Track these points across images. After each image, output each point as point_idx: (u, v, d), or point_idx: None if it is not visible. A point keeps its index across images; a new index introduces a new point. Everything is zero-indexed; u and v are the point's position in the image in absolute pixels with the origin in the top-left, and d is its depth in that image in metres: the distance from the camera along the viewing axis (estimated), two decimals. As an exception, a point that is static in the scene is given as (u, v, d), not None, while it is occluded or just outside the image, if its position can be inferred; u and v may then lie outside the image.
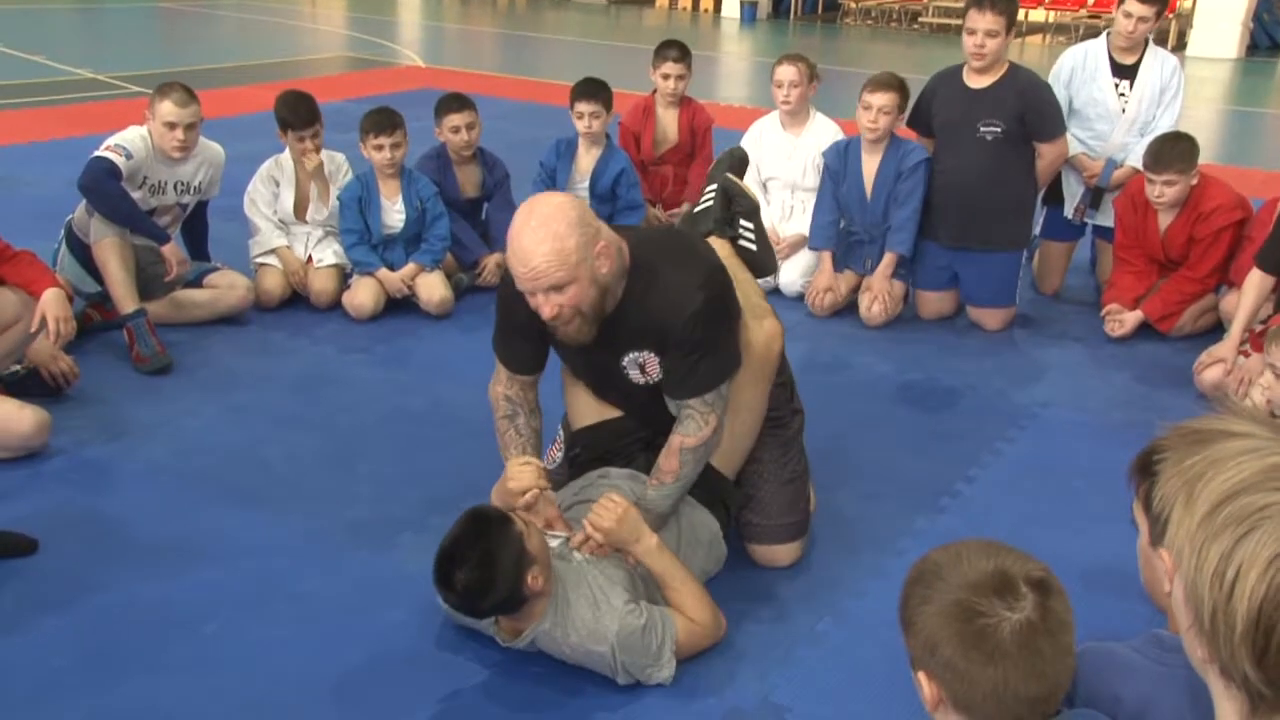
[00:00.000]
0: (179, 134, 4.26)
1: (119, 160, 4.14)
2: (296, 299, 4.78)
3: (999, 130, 4.57)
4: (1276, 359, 2.89)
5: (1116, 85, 5.00)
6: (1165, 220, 4.67)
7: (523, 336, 2.79)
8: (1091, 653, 1.41)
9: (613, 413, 2.96)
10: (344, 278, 4.79)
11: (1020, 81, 4.60)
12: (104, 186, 4.12)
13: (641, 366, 2.70)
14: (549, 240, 2.41)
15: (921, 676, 1.38)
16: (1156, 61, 5.00)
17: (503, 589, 2.35)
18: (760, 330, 2.84)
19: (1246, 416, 1.05)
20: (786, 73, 4.97)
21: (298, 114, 4.72)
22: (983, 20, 4.51)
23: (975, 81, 4.61)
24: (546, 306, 2.48)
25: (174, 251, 4.37)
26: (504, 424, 2.89)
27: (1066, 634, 1.36)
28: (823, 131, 5.06)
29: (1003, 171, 4.64)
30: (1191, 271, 4.67)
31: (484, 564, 2.32)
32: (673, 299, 2.58)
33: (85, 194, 4.16)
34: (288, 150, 4.80)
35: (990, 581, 1.34)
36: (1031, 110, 4.60)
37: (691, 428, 2.66)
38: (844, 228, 4.91)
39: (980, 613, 1.32)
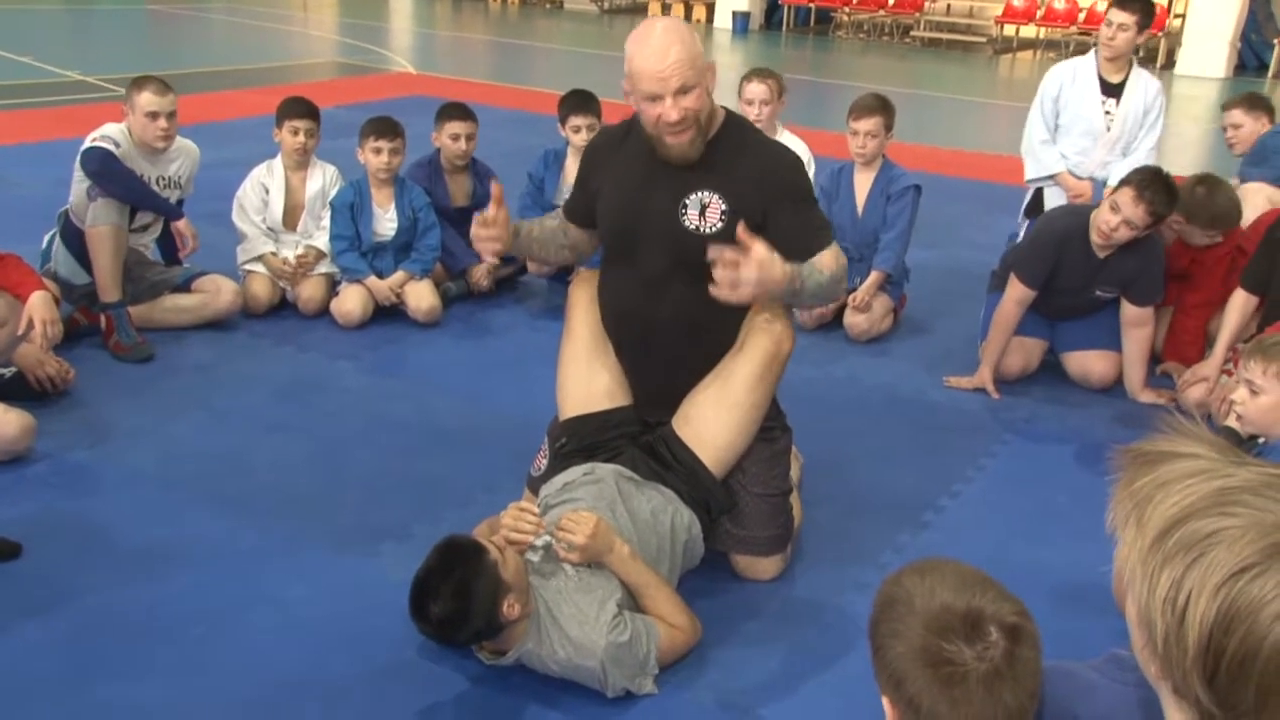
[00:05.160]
0: (162, 123, 4.30)
1: (110, 148, 4.17)
2: (284, 306, 4.78)
3: (1111, 294, 4.27)
4: (1253, 374, 2.91)
5: (1104, 103, 5.06)
6: (1169, 234, 4.48)
7: (581, 189, 3.04)
8: (1053, 672, 1.43)
9: (601, 403, 2.97)
10: (332, 285, 4.79)
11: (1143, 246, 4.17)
12: (113, 167, 4.15)
13: (703, 208, 2.76)
14: (681, 43, 2.62)
15: (886, 701, 1.40)
16: (1141, 83, 5.07)
17: (478, 620, 2.35)
18: (775, 325, 2.87)
19: (1194, 437, 1.07)
20: (758, 90, 4.93)
21: (295, 104, 4.77)
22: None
23: (1101, 249, 4.14)
24: (675, 110, 2.63)
25: (188, 226, 4.43)
26: (549, 217, 3.15)
27: (1033, 681, 1.37)
28: (791, 148, 4.96)
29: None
30: (1196, 295, 4.50)
31: (458, 596, 2.32)
32: (773, 150, 2.86)
33: (97, 179, 4.14)
34: (280, 156, 4.80)
35: (960, 625, 1.34)
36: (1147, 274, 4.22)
37: (836, 251, 2.80)
38: None
39: (947, 659, 1.33)
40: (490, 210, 2.79)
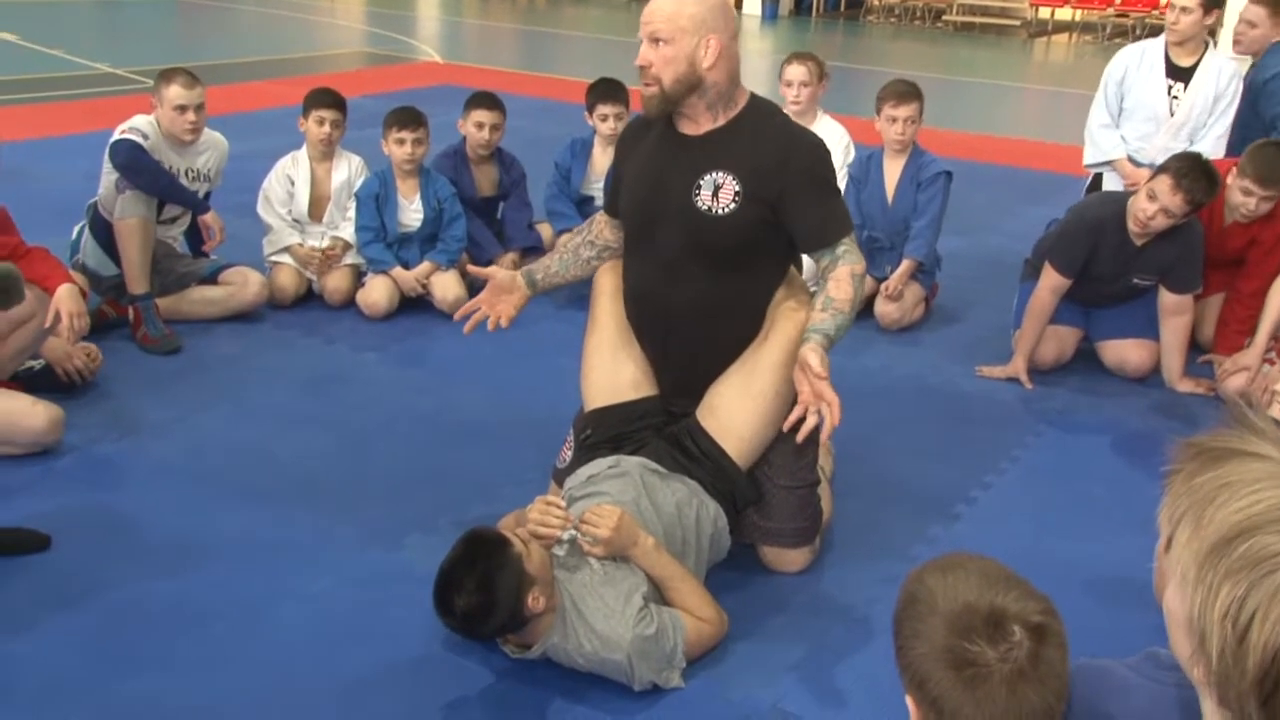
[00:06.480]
0: (190, 116, 4.30)
1: (140, 140, 4.18)
2: (310, 297, 4.78)
3: (1149, 282, 4.19)
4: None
5: (1170, 87, 4.85)
6: (1228, 217, 4.31)
7: (615, 178, 3.06)
8: (1087, 670, 1.39)
9: (627, 394, 2.95)
10: (358, 276, 4.78)
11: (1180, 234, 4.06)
12: (141, 160, 4.16)
13: (716, 189, 2.73)
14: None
15: (910, 700, 1.37)
16: (1215, 66, 4.81)
17: (503, 613, 2.33)
18: (800, 313, 2.83)
19: (1264, 435, 1.01)
20: (796, 72, 4.89)
21: (322, 94, 4.76)
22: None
23: (1138, 236, 4.05)
24: (641, 56, 2.72)
25: (215, 218, 4.42)
26: (571, 235, 3.26)
27: (1058, 680, 1.34)
28: (829, 133, 4.85)
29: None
30: (1250, 282, 4.30)
31: (482, 589, 2.30)
32: (794, 134, 2.80)
33: (125, 172, 4.16)
34: (305, 147, 4.79)
35: (983, 625, 1.31)
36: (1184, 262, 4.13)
37: (854, 258, 2.76)
38: (865, 235, 4.85)
39: (970, 661, 1.30)
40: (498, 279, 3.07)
